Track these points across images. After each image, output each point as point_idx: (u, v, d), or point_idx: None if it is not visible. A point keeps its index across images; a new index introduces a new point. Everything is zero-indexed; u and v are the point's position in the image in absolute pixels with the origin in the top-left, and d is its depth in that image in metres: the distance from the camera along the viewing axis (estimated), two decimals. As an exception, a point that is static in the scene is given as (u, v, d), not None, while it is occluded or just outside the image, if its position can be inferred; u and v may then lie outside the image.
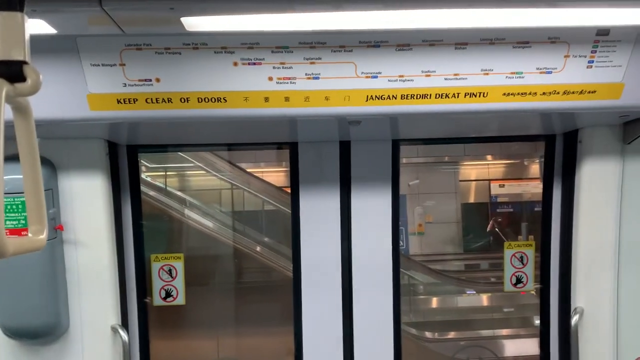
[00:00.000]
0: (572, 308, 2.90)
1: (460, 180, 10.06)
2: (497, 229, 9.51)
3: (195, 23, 1.87)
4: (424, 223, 9.37)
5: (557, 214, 3.06)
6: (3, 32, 0.80)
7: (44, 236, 0.87)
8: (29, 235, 0.87)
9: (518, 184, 9.90)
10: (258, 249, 6.63)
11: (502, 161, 10.19)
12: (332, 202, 3.04)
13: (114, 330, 2.78)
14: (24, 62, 0.82)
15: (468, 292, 7.43)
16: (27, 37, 0.83)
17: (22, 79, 0.81)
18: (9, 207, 2.47)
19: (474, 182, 10.20)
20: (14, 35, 0.81)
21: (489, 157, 9.92)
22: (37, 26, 1.84)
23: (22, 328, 2.67)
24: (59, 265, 2.69)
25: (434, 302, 7.52)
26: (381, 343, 3.11)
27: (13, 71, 0.80)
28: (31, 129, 0.86)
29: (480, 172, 10.26)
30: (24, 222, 2.51)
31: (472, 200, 10.18)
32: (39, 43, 2.06)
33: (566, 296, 2.97)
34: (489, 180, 10.08)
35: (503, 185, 9.98)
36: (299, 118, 2.36)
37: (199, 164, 6.83)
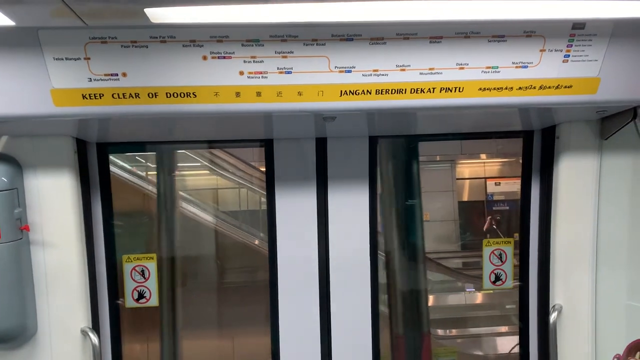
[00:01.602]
0: (551, 305, 2.89)
1: (457, 179, 10.06)
2: (494, 227, 9.52)
3: (160, 14, 1.81)
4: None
5: (536, 210, 3.05)
6: None
7: None
8: None
9: (514, 182, 9.91)
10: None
11: (497, 160, 10.22)
12: (308, 200, 2.99)
13: (84, 333, 2.70)
14: None
15: (468, 289, 7.43)
16: None
17: None
18: None
19: (470, 181, 10.21)
20: None
21: (483, 155, 9.95)
22: None
23: (-13, 332, 2.58)
24: (25, 267, 2.60)
25: (439, 299, 7.48)
26: (359, 342, 3.07)
27: None
28: None
29: (476, 170, 10.28)
30: None
31: (468, 198, 10.19)
32: None
33: (545, 293, 2.95)
34: (485, 178, 10.09)
35: (499, 184, 9.99)
36: (272, 113, 2.31)
37: (205, 162, 6.73)
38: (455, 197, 9.97)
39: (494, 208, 9.88)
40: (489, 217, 9.60)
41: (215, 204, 7.50)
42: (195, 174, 7.30)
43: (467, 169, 10.33)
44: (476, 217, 9.92)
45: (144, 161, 6.39)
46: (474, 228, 9.86)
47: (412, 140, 3.55)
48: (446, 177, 9.86)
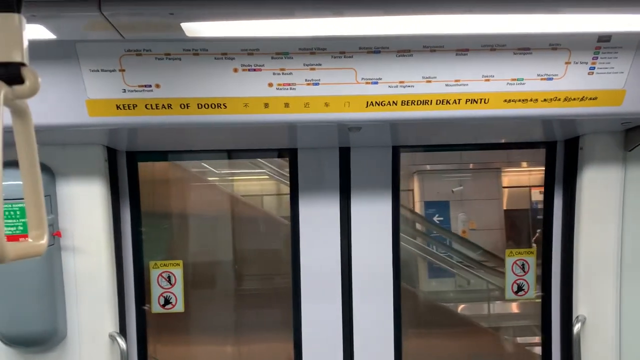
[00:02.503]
0: (574, 316, 2.88)
1: (503, 187, 9.95)
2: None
3: (195, 29, 1.86)
4: (468, 230, 9.26)
5: (559, 221, 3.05)
6: (0, 33, 0.79)
7: (44, 241, 0.86)
8: (29, 240, 0.85)
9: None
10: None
11: (541, 168, 10.08)
12: (332, 209, 3.02)
13: (112, 338, 2.76)
14: (22, 64, 0.81)
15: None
16: (25, 38, 0.81)
17: (20, 81, 0.80)
18: (7, 213, 2.45)
19: (515, 189, 10.09)
20: (11, 37, 0.79)
21: (524, 163, 9.82)
22: (36, 31, 1.83)
23: (19, 335, 2.64)
24: (56, 272, 2.66)
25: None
26: (382, 351, 3.08)
27: (11, 73, 0.79)
28: (30, 132, 0.84)
29: (520, 178, 10.15)
30: (22, 228, 2.49)
31: (513, 207, 10.08)
32: (38, 48, 2.05)
33: (568, 304, 2.95)
34: (530, 187, 9.99)
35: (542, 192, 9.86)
36: (299, 124, 2.35)
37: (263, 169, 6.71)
38: (501, 206, 9.83)
39: (538, 217, 9.77)
40: (539, 231, 9.49)
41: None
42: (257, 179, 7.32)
43: (513, 177, 10.22)
44: (521, 226, 9.83)
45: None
46: (519, 237, 9.76)
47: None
48: (492, 185, 9.71)
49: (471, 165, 9.00)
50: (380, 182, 3.02)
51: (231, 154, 3.30)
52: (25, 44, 0.81)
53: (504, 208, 9.77)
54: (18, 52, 0.80)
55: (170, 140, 2.87)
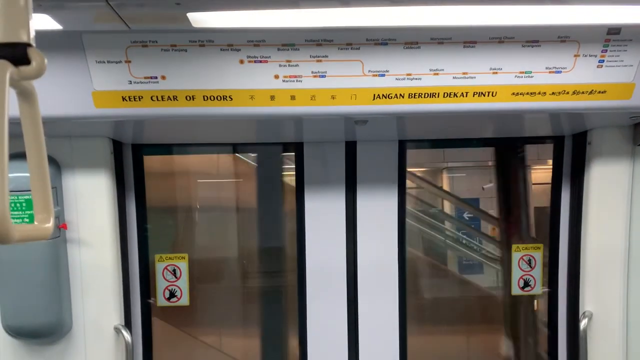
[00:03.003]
0: (581, 312, 2.86)
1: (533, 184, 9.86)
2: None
3: (201, 19, 1.86)
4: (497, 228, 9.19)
5: (566, 216, 3.03)
6: (6, 13, 0.78)
7: (50, 224, 0.85)
8: (35, 223, 0.84)
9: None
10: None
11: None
12: (337, 203, 3.01)
13: (117, 330, 2.76)
14: (28, 45, 0.80)
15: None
16: (30, 19, 0.81)
17: (26, 62, 0.79)
18: (12, 205, 2.45)
19: (542, 186, 10.02)
20: (17, 17, 0.79)
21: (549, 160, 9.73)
22: (42, 21, 1.83)
23: (24, 327, 2.64)
24: (62, 264, 2.66)
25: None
26: (387, 348, 3.07)
27: (17, 53, 0.78)
28: (37, 114, 0.83)
29: (548, 175, 10.08)
30: (27, 220, 2.49)
31: (542, 204, 10.00)
32: (44, 39, 2.04)
33: (575, 300, 2.93)
34: None
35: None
36: (305, 117, 2.34)
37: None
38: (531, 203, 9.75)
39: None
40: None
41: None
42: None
43: (541, 174, 10.16)
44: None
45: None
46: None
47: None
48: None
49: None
50: (387, 176, 3.00)
51: (236, 148, 3.30)
52: (32, 24, 0.80)
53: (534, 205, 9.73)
54: (24, 33, 0.79)
55: (176, 133, 2.86)
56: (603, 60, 2.19)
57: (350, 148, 2.99)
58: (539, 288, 3.14)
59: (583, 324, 2.81)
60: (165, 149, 3.25)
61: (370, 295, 3.05)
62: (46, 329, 2.68)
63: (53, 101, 2.17)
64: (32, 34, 0.81)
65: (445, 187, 8.37)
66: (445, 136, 3.17)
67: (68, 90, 2.16)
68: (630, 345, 2.82)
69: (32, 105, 0.83)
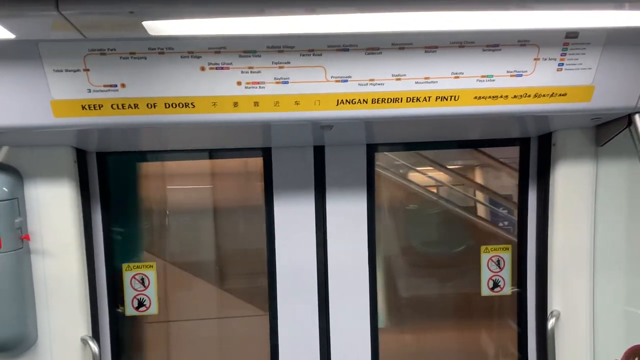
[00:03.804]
0: (549, 311, 2.90)
1: None
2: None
3: (158, 27, 1.83)
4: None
5: (534, 216, 3.06)
6: None
7: None
8: None
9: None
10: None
11: None
12: (307, 207, 3.01)
13: (84, 341, 2.72)
14: None
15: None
16: None
17: None
18: None
19: None
20: None
21: None
22: None
23: (-12, 341, 2.59)
24: (26, 276, 2.61)
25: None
26: (358, 348, 3.08)
27: None
28: None
29: None
30: None
31: None
32: (0, 48, 2.01)
33: (543, 299, 2.96)
34: None
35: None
36: (269, 123, 2.33)
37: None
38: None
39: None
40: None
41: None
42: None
43: None
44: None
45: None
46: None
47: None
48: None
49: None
50: (356, 179, 3.01)
51: (205, 154, 3.27)
52: None
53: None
54: None
55: (141, 140, 2.83)
56: (562, 64, 2.21)
57: (319, 152, 2.99)
58: (508, 288, 3.17)
59: (551, 323, 2.85)
60: (131, 156, 3.21)
61: (341, 298, 3.05)
62: (11, 341, 2.62)
63: (11, 111, 2.13)
64: None
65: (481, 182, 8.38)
66: (414, 139, 3.18)
67: (26, 100, 2.12)
68: (597, 343, 2.87)
69: None
